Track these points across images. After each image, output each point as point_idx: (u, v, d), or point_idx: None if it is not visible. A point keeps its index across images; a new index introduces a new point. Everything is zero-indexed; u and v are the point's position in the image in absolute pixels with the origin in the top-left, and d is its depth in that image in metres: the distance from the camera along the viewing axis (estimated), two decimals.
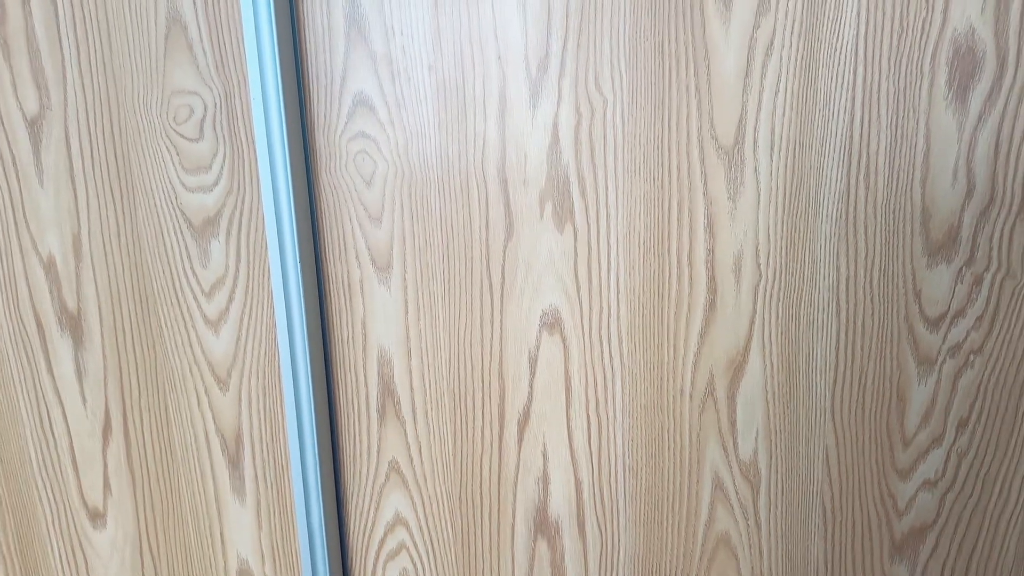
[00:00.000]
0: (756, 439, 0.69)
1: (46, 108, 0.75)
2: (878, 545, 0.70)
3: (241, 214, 0.73)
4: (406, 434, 0.76)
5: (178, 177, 0.74)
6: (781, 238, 0.65)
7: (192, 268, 0.76)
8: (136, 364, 0.80)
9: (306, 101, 0.70)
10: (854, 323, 0.65)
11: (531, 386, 0.72)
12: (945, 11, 0.58)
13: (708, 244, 0.66)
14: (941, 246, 0.62)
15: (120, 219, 0.76)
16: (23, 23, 0.73)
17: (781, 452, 0.69)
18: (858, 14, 0.59)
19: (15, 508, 0.87)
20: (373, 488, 0.78)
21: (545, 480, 0.74)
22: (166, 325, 0.78)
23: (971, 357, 0.64)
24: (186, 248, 0.75)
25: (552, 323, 0.70)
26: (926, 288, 0.63)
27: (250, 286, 0.75)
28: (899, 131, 0.61)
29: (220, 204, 0.74)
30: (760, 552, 0.72)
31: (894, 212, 0.62)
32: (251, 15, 0.66)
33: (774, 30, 0.61)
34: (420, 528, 0.78)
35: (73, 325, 0.80)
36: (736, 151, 0.64)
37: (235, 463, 0.80)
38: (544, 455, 0.74)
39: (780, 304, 0.66)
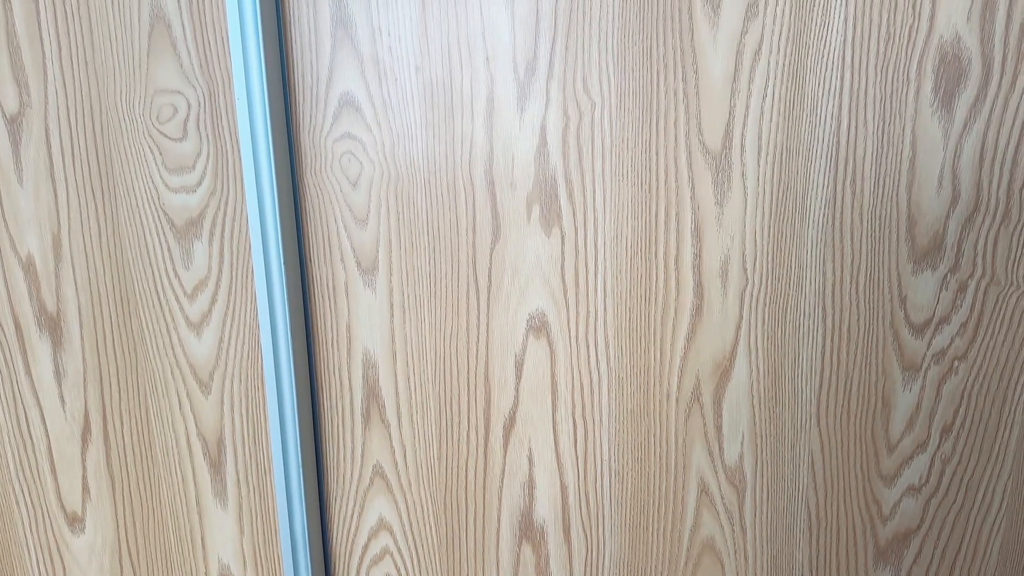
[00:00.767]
0: (742, 444, 0.69)
1: (26, 105, 0.74)
2: (862, 550, 0.70)
3: (225, 215, 0.73)
4: (391, 438, 0.75)
5: (161, 177, 0.73)
6: (768, 243, 0.65)
7: (174, 269, 0.75)
8: (116, 366, 0.79)
9: (291, 101, 0.69)
10: (840, 328, 0.65)
11: (517, 390, 0.72)
12: (931, 18, 0.58)
13: (695, 248, 0.66)
14: (926, 252, 0.63)
15: (101, 219, 0.75)
16: (3, 18, 0.72)
17: (767, 457, 0.69)
18: (846, 20, 0.60)
19: None
20: (357, 492, 0.77)
21: (531, 484, 0.74)
22: (147, 327, 0.77)
23: (955, 363, 0.65)
24: (168, 249, 0.75)
25: (539, 327, 0.70)
26: (911, 294, 0.64)
27: (233, 288, 0.74)
28: (885, 137, 0.61)
29: (203, 205, 0.73)
30: (745, 557, 0.72)
31: (880, 218, 0.63)
32: (236, 13, 0.65)
33: (762, 35, 0.61)
34: (404, 533, 0.77)
35: (52, 326, 0.79)
36: (723, 156, 0.64)
37: (217, 467, 0.79)
38: (530, 459, 0.73)
39: (766, 309, 0.66)
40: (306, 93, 0.69)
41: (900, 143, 0.61)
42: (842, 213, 0.63)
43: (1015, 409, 0.65)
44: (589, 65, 0.64)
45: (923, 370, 0.65)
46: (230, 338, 0.75)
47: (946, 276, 0.63)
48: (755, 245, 0.65)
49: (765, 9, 0.60)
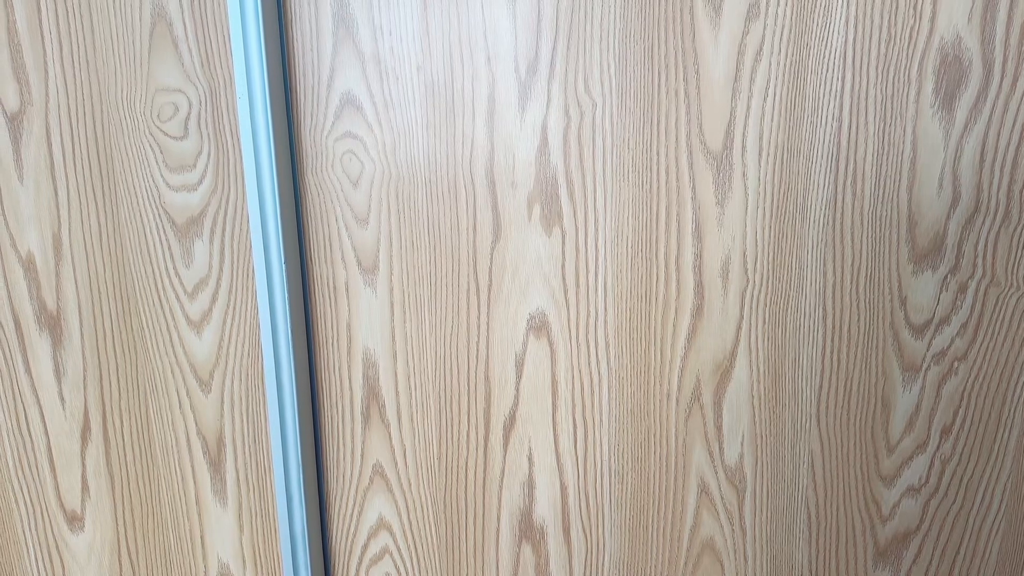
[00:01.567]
0: (742, 444, 0.69)
1: (27, 104, 0.74)
2: (862, 550, 0.70)
3: (225, 214, 0.72)
4: (390, 437, 0.75)
5: (161, 175, 0.73)
6: (768, 243, 0.65)
7: (175, 268, 0.75)
8: (116, 365, 0.79)
9: (292, 100, 0.69)
10: (840, 329, 0.65)
11: (517, 390, 0.72)
12: (932, 20, 0.58)
13: (696, 249, 0.66)
14: (927, 253, 0.63)
15: (102, 217, 0.75)
16: (4, 17, 0.72)
17: (766, 457, 0.69)
18: (847, 22, 0.60)
19: None
20: (357, 491, 0.77)
21: (530, 484, 0.74)
22: (147, 325, 0.77)
23: (955, 364, 0.65)
24: (169, 248, 0.74)
25: (539, 326, 0.70)
26: (911, 295, 0.64)
27: (234, 287, 0.74)
28: (886, 138, 0.61)
29: (204, 203, 0.73)
30: (745, 557, 0.72)
31: (880, 219, 0.63)
32: (238, 12, 0.65)
33: (763, 36, 0.61)
34: (404, 532, 0.77)
35: (52, 324, 0.79)
36: (724, 156, 0.64)
37: (216, 466, 0.79)
38: (530, 459, 0.73)
39: (767, 309, 0.66)
40: (307, 92, 0.69)
41: (901, 144, 0.61)
42: (843, 214, 0.63)
43: (1015, 410, 0.65)
44: (590, 65, 0.64)
45: (923, 371, 0.65)
46: (230, 337, 0.75)
47: (946, 277, 0.63)
48: (756, 245, 0.65)
49: (766, 10, 0.60)
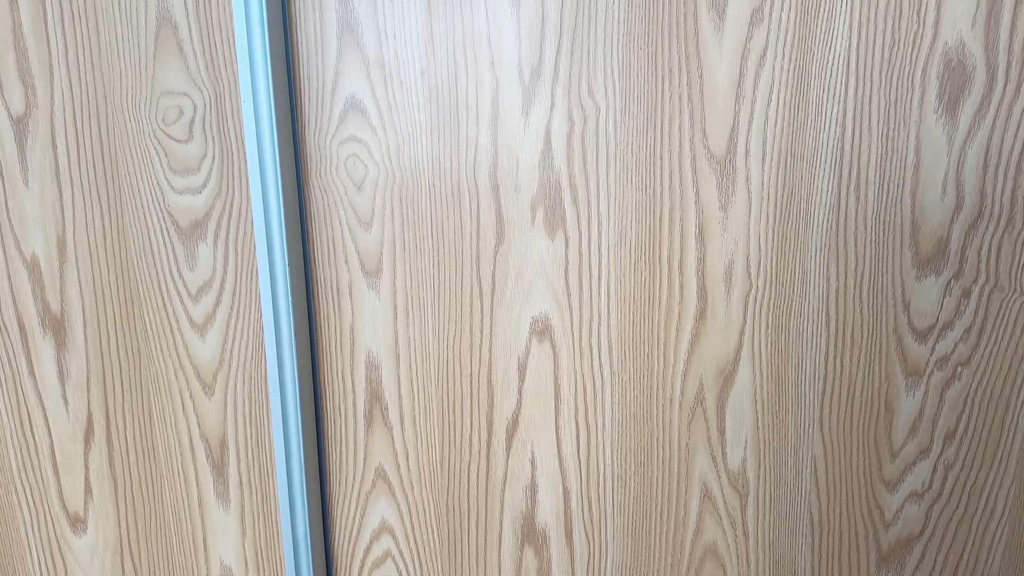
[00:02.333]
0: (745, 449, 0.69)
1: (32, 107, 0.74)
2: (865, 556, 0.70)
3: (229, 217, 0.73)
4: (393, 440, 0.75)
5: (166, 178, 0.73)
6: (772, 248, 0.65)
7: (179, 271, 0.75)
8: (120, 367, 0.79)
9: (297, 104, 0.70)
10: (843, 334, 0.65)
11: (520, 393, 0.72)
12: (936, 25, 0.58)
13: (699, 253, 0.66)
14: (930, 258, 0.63)
15: (106, 220, 0.75)
16: (10, 20, 0.72)
17: (769, 462, 0.69)
18: (850, 27, 0.60)
19: None
20: (359, 495, 0.77)
21: (533, 488, 0.74)
22: (151, 328, 0.77)
23: (959, 369, 0.65)
24: (173, 250, 0.75)
25: (542, 330, 0.70)
26: (915, 300, 0.64)
27: (237, 289, 0.74)
28: (890, 143, 0.61)
29: (208, 206, 0.73)
30: (748, 562, 0.72)
31: (884, 224, 0.63)
32: (243, 16, 0.66)
33: (767, 41, 0.61)
34: (406, 536, 0.77)
35: (56, 327, 0.79)
36: (728, 160, 0.64)
37: (219, 468, 0.79)
38: (532, 463, 0.73)
39: (770, 314, 0.66)
40: (312, 96, 0.69)
41: (904, 149, 0.61)
42: (846, 218, 0.63)
43: (1018, 415, 0.65)
44: (594, 70, 0.64)
45: (926, 376, 0.65)
46: (234, 340, 0.75)
47: (950, 282, 0.63)
48: (759, 250, 0.65)
49: (770, 15, 0.60)
